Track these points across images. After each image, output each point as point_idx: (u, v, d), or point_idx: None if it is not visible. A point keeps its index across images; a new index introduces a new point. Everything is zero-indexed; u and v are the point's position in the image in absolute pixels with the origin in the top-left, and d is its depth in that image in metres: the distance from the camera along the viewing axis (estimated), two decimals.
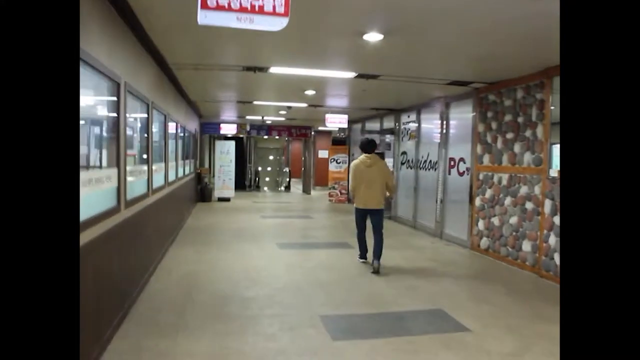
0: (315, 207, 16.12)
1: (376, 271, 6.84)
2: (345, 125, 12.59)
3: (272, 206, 15.97)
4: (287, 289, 5.96)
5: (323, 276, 6.65)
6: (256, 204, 16.17)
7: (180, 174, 10.43)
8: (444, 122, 9.84)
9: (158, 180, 7.12)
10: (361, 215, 7.27)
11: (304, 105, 11.92)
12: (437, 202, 10.00)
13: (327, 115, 12.29)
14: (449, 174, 9.66)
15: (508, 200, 7.67)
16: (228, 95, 11.01)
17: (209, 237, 9.38)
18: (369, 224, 7.29)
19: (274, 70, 7.28)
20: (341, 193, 17.09)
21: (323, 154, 22.30)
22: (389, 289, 6.10)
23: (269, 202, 17.44)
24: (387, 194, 7.26)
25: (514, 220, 7.51)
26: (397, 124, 12.43)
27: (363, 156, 7.25)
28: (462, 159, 9.19)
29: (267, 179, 24.38)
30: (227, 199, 16.62)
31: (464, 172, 9.13)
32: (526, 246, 7.18)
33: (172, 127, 8.93)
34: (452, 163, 9.57)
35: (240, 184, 21.33)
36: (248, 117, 16.45)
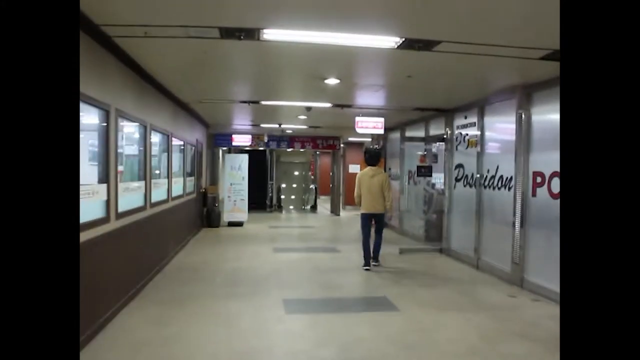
0: (344, 233, 13.25)
1: (369, 267, 7.92)
2: (382, 131, 9.72)
3: (292, 232, 13.14)
4: None
5: None
6: (273, 230, 13.38)
7: (165, 195, 7.79)
8: (524, 122, 6.90)
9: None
10: (367, 219, 8.01)
11: (328, 105, 9.16)
12: (514, 234, 7.04)
13: (358, 119, 9.46)
14: (534, 195, 6.68)
15: None
16: (223, 91, 8.32)
17: (190, 288, 6.61)
18: None
19: (270, 34, 4.53)
20: None
21: (354, 168, 19.42)
22: None
23: (289, 226, 14.63)
24: (387, 204, 7.93)
25: None
26: (448, 128, 9.53)
27: (368, 169, 8.09)
28: (556, 174, 6.22)
29: (293, 197, 21.69)
30: (239, 224, 13.90)
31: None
32: None
33: (136, 135, 6.28)
34: (538, 180, 6.60)
35: (261, 203, 18.73)
36: (264, 126, 13.74)
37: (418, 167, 9.53)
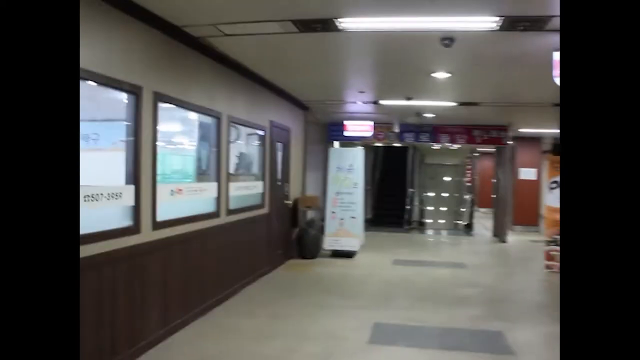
0: (518, 285, 7.62)
1: None
2: None
3: (426, 278, 7.73)
4: None
5: None
6: (396, 270, 8.26)
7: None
8: None
9: None
10: None
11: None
12: None
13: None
14: None
15: None
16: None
17: None
18: None
19: None
20: None
21: (527, 174, 13.59)
22: None
23: (426, 262, 9.20)
24: None
25: None
26: None
27: None
28: None
29: (443, 209, 16.15)
30: (348, 254, 9.08)
31: None
32: None
33: None
34: None
35: (396, 218, 13.73)
36: (385, 103, 8.75)
37: None
